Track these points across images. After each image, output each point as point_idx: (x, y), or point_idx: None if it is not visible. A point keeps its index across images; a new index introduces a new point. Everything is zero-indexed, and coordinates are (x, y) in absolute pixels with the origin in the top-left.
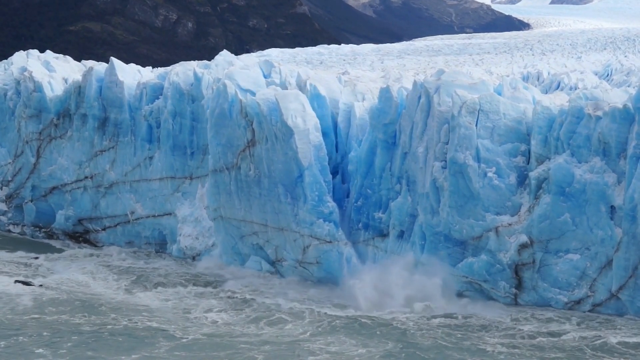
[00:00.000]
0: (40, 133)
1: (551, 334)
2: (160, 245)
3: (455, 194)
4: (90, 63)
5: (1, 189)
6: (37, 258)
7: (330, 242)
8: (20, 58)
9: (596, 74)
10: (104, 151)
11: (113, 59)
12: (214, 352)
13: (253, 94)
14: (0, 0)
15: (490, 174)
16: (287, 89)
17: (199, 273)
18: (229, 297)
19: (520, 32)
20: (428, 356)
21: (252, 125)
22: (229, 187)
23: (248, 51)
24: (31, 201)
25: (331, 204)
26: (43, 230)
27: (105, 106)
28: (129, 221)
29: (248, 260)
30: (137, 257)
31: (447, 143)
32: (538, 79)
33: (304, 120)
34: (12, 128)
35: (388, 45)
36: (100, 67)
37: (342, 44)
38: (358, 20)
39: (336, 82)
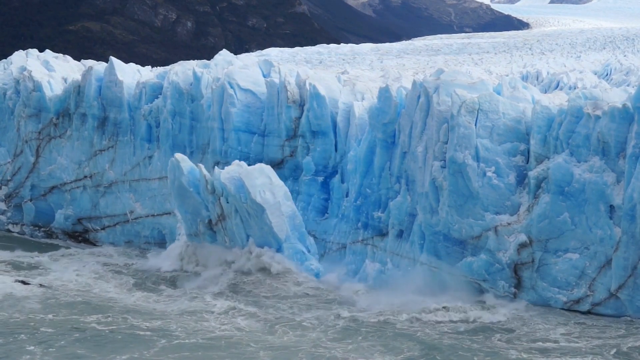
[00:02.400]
0: (39, 132)
1: (561, 337)
2: (160, 244)
3: (455, 193)
4: (89, 62)
5: (0, 189)
6: (42, 257)
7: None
8: (19, 57)
9: (595, 74)
10: (104, 150)
11: (112, 59)
12: (212, 353)
13: (253, 94)
14: None
15: (489, 174)
16: (285, 87)
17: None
18: (231, 298)
19: (520, 31)
20: None
21: (219, 200)
22: (208, 250)
23: (247, 51)
24: (30, 200)
25: (315, 266)
26: (42, 229)
27: (105, 106)
28: (128, 220)
29: None
30: (137, 256)
31: (446, 142)
32: (537, 79)
33: (272, 194)
34: (11, 127)
35: (387, 44)
36: (99, 66)
37: (342, 44)
38: (357, 20)
39: (335, 81)
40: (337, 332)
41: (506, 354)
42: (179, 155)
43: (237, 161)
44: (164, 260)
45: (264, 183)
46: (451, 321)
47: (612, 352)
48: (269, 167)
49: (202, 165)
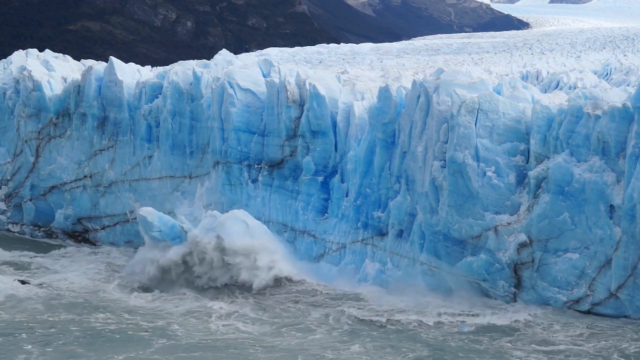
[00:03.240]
0: (39, 132)
1: (566, 339)
2: None
3: (455, 193)
4: (89, 62)
5: (0, 189)
6: (42, 257)
7: None
8: (19, 57)
9: (595, 73)
10: (103, 150)
11: (112, 58)
12: (212, 354)
13: (253, 93)
14: None
15: (489, 173)
16: (285, 87)
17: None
18: (233, 298)
19: (520, 31)
20: None
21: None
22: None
23: (247, 50)
24: (30, 200)
25: None
26: (42, 229)
27: (105, 105)
28: (128, 220)
29: None
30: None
31: (446, 142)
32: (537, 78)
33: (251, 237)
34: (11, 127)
35: (387, 44)
36: (99, 66)
37: (342, 43)
38: (357, 20)
39: (335, 81)
40: (342, 333)
41: (512, 356)
42: (144, 211)
43: (210, 212)
44: (140, 265)
45: (240, 230)
46: (454, 322)
47: (617, 355)
48: (241, 211)
49: (182, 217)
